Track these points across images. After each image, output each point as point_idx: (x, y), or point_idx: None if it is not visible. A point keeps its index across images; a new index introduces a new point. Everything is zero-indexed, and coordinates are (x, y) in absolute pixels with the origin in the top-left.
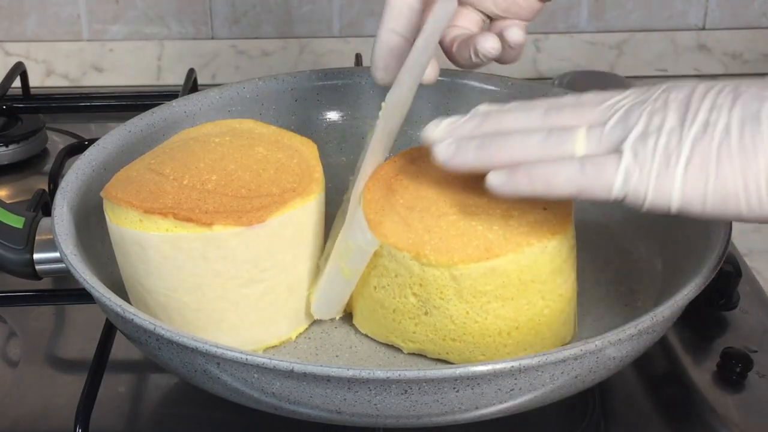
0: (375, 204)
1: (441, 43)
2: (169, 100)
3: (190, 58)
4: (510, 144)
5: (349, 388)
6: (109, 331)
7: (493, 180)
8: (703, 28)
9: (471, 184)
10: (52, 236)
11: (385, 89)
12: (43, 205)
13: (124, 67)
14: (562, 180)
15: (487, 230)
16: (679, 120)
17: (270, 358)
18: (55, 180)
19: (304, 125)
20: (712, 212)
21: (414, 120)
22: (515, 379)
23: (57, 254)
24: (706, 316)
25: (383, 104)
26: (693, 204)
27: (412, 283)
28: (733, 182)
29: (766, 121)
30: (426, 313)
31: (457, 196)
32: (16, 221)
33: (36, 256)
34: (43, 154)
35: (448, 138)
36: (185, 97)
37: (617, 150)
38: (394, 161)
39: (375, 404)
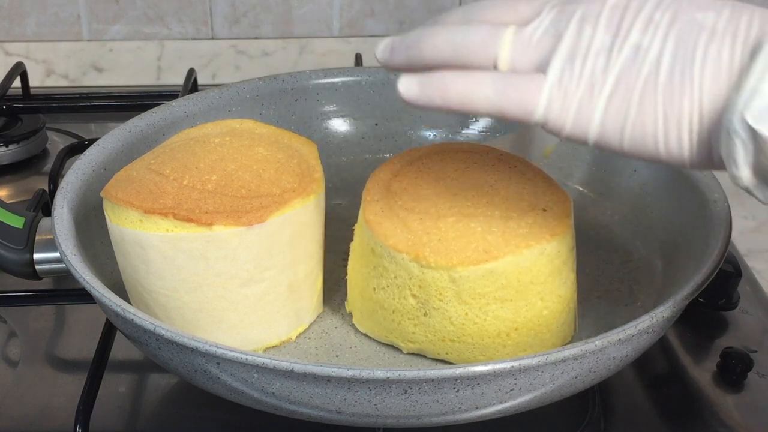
0: (374, 206)
1: None
2: (169, 100)
3: (190, 58)
4: (435, 36)
5: (349, 388)
6: (109, 331)
7: (405, 88)
8: None
9: (470, 186)
10: (52, 236)
11: (380, 91)
12: (43, 205)
13: (124, 67)
14: (478, 99)
15: (486, 232)
16: (610, 38)
17: (270, 358)
18: (55, 180)
19: (304, 125)
20: (629, 150)
21: (413, 120)
22: (515, 379)
23: (57, 254)
24: (706, 316)
25: None
26: (610, 138)
27: (411, 284)
28: (653, 121)
29: (700, 60)
30: (425, 314)
31: (456, 197)
32: (16, 221)
33: (36, 256)
34: (43, 154)
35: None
36: (185, 97)
37: (541, 68)
38: (392, 163)
39: (375, 404)
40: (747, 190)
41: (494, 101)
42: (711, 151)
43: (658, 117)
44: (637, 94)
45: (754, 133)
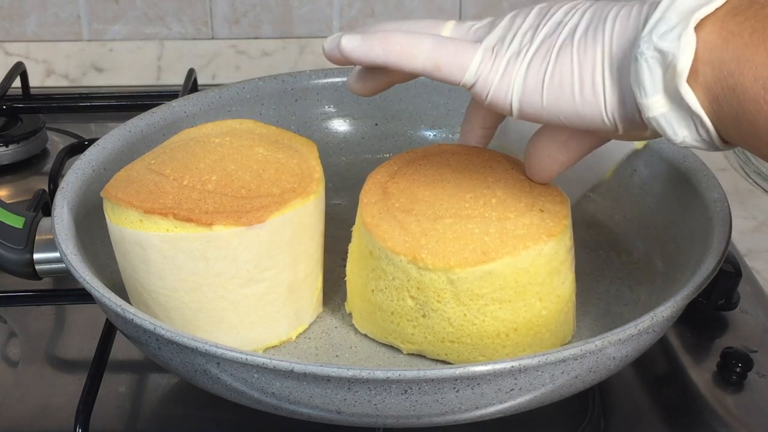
0: (372, 208)
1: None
2: (169, 100)
3: (190, 58)
4: (384, 25)
5: (349, 388)
6: (109, 331)
7: (347, 43)
8: None
9: (467, 187)
10: (52, 236)
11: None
12: (43, 205)
13: (124, 67)
14: (418, 52)
15: (484, 233)
16: (537, 21)
17: (270, 358)
18: (55, 180)
19: (304, 125)
20: (548, 105)
21: (413, 120)
22: (515, 379)
23: (57, 254)
24: (706, 316)
25: None
26: (532, 95)
27: (409, 286)
28: (569, 70)
29: (611, 19)
30: (424, 316)
31: (453, 198)
32: (16, 221)
33: (36, 256)
34: (43, 154)
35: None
36: (185, 97)
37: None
38: (390, 165)
39: (375, 404)
40: (657, 125)
41: (432, 55)
42: (624, 95)
43: (574, 66)
44: (555, 51)
45: (660, 53)
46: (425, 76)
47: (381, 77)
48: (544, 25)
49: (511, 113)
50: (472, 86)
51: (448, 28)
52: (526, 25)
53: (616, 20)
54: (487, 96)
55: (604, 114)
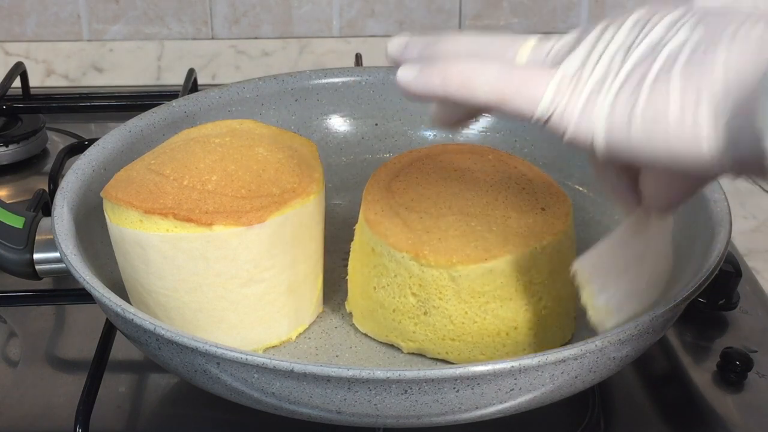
0: (375, 205)
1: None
2: (169, 100)
3: (190, 58)
4: (457, 37)
5: (349, 388)
6: (109, 331)
7: (403, 75)
8: None
9: (470, 186)
10: (52, 236)
11: (380, 91)
12: (43, 205)
13: (124, 67)
14: (480, 83)
15: (486, 231)
16: (630, 37)
17: (270, 358)
18: (55, 180)
19: (304, 125)
20: (638, 143)
21: (413, 120)
22: (515, 379)
23: (57, 254)
24: (706, 316)
25: None
26: (618, 129)
27: (411, 283)
28: (665, 103)
29: (726, 40)
30: (425, 313)
31: (456, 197)
32: (16, 221)
33: (36, 256)
34: (43, 154)
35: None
36: (185, 97)
37: (555, 66)
38: (393, 163)
39: (375, 404)
40: None
41: (496, 87)
42: (734, 135)
43: (672, 98)
44: (650, 80)
45: None
46: (492, 111)
47: (458, 108)
48: (639, 44)
49: (596, 153)
50: (547, 121)
51: (528, 46)
52: (615, 42)
53: (733, 42)
54: (565, 132)
55: (704, 153)
